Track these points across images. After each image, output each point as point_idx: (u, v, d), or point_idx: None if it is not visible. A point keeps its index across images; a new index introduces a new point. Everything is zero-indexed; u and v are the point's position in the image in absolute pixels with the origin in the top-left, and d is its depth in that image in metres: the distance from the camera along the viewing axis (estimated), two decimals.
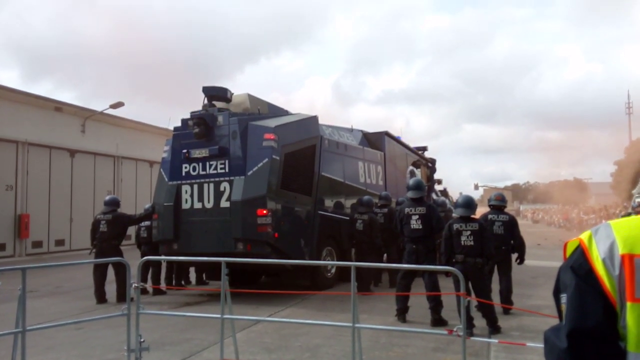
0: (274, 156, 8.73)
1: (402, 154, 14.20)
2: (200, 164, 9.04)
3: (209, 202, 8.91)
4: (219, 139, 8.97)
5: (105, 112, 20.84)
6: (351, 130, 12.47)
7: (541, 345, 1.23)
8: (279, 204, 8.80)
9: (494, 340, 5.66)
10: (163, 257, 9.17)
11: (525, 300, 8.19)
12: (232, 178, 8.76)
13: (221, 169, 8.88)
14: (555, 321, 1.29)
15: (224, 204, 8.76)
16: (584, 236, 1.23)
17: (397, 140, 14.03)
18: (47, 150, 19.08)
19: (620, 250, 1.14)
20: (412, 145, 15.69)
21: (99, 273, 8.95)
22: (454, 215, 7.56)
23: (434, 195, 15.52)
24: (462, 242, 6.46)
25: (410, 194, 7.55)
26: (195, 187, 9.04)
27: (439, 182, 18.94)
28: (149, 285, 9.30)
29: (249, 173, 8.66)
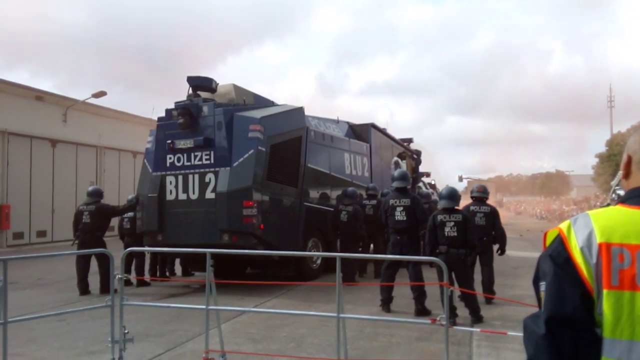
0: (259, 147, 8.69)
1: (388, 146, 14.26)
2: (185, 155, 8.93)
3: (194, 193, 8.84)
4: (204, 129, 8.85)
5: (87, 101, 20.53)
6: (337, 122, 12.46)
7: (522, 334, 1.26)
8: (265, 196, 8.77)
9: (476, 330, 5.75)
10: (147, 248, 9.11)
11: (507, 290, 8.32)
12: (217, 169, 8.69)
13: (206, 160, 8.79)
14: (535, 310, 1.32)
15: (209, 195, 8.70)
16: (563, 225, 1.26)
17: (383, 132, 14.08)
18: (28, 140, 18.75)
19: (598, 239, 1.17)
20: (398, 137, 15.78)
21: (82, 264, 8.86)
22: (438, 206, 7.63)
23: (423, 187, 15.68)
24: (446, 233, 6.53)
25: (395, 184, 7.63)
26: (180, 178, 8.95)
27: (428, 174, 19.14)
28: (132, 277, 9.24)
29: (235, 164, 8.60)
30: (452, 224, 6.54)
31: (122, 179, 23.24)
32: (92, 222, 9.02)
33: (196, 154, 8.84)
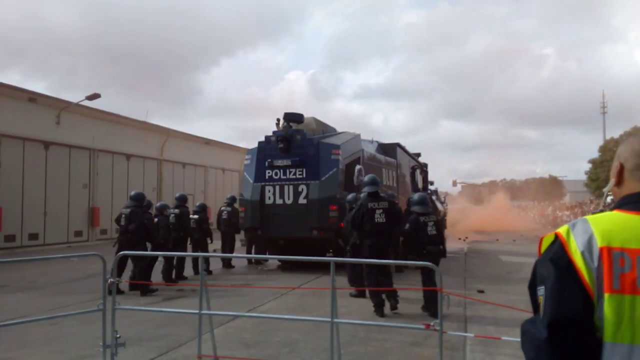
0: (340, 167, 11.54)
1: (407, 161, 16.95)
2: (282, 171, 11.83)
3: (289, 199, 11.69)
4: (297, 152, 11.79)
5: (81, 103, 20.43)
6: (372, 142, 14.94)
7: (516, 339, 1.26)
8: (342, 202, 11.05)
9: (470, 335, 5.75)
10: (139, 252, 9.06)
11: (501, 295, 8.33)
12: (308, 182, 11.57)
13: (299, 174, 11.68)
14: (530, 315, 1.31)
15: (302, 201, 11.58)
16: (562, 230, 1.26)
17: (404, 149, 16.59)
18: (21, 142, 18.63)
19: (599, 243, 1.18)
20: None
21: (119, 265, 8.89)
22: (415, 210, 7.71)
23: (438, 197, 17.97)
24: (429, 232, 7.18)
25: (367, 189, 7.94)
26: (277, 187, 11.85)
27: (431, 183, 21.70)
28: (124, 280, 9.16)
29: (322, 178, 11.44)
30: (432, 223, 7.28)
31: (115, 181, 23.14)
32: (127, 226, 9.36)
33: (291, 170, 11.76)
